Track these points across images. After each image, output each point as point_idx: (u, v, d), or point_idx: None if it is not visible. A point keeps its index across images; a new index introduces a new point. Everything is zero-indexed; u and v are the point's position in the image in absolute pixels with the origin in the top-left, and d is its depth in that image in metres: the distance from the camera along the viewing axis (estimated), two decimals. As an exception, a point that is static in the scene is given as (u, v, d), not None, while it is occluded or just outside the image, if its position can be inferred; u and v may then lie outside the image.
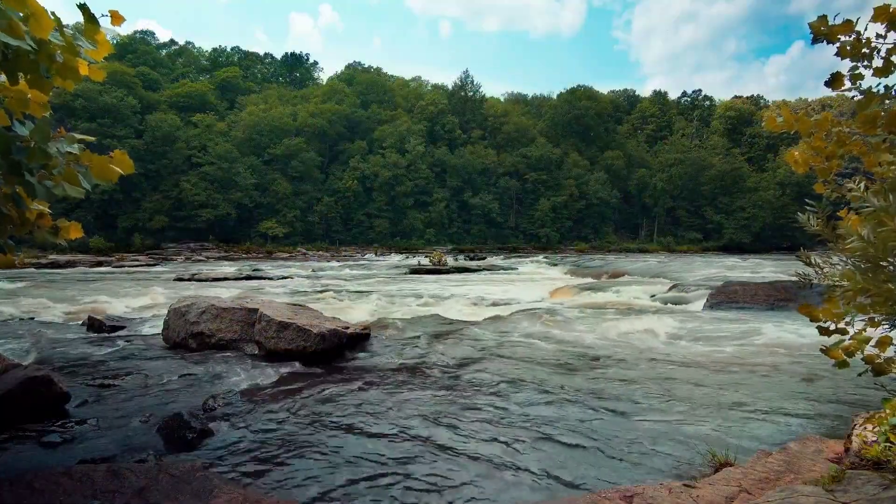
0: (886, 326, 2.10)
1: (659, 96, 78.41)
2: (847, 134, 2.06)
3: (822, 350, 2.13)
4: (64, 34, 1.99)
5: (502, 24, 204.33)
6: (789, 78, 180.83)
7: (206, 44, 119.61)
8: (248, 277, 18.91)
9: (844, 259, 2.13)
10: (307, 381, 4.59)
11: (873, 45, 1.97)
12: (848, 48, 1.99)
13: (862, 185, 2.08)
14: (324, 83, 73.70)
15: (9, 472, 2.61)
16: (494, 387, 4.45)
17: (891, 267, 1.94)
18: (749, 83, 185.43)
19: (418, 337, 6.53)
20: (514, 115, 68.91)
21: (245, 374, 4.76)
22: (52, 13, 1.95)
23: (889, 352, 2.03)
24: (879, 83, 2.00)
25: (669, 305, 10.87)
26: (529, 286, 16.23)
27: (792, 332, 6.74)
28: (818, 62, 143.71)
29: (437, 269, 23.00)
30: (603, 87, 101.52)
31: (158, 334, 6.24)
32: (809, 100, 68.64)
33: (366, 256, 43.44)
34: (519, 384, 4.53)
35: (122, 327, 7.34)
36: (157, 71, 62.54)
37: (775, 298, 9.60)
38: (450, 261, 28.39)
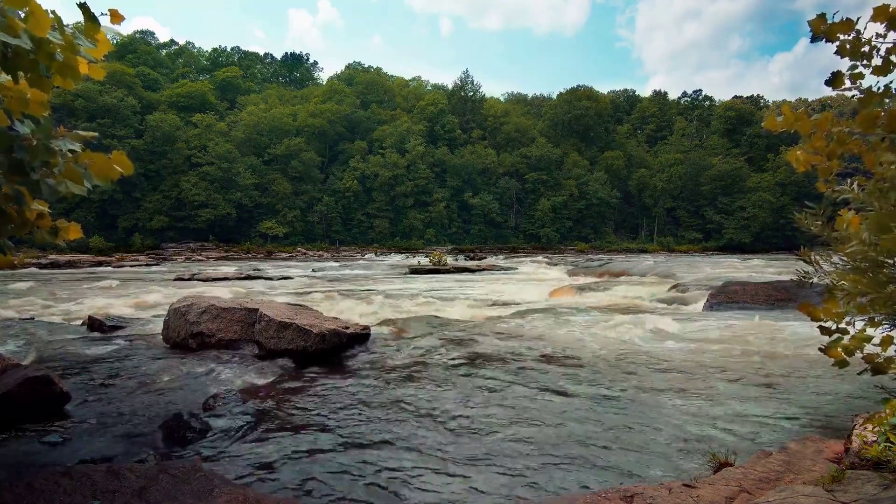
0: (887, 326, 2.10)
1: (659, 96, 78.46)
2: (847, 133, 2.05)
3: (821, 349, 2.13)
4: (64, 32, 1.98)
5: (504, 21, 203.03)
6: (793, 76, 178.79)
7: (205, 43, 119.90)
8: (249, 277, 18.92)
9: (845, 260, 2.13)
10: (307, 381, 4.59)
11: (873, 44, 1.96)
12: (847, 47, 1.99)
13: (855, 185, 2.09)
14: (324, 83, 73.78)
15: (9, 472, 2.62)
16: (494, 387, 4.45)
17: (891, 270, 1.94)
18: (753, 81, 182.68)
19: (418, 337, 6.53)
20: (514, 115, 68.98)
21: (245, 374, 4.76)
22: (52, 12, 1.94)
23: (889, 351, 2.02)
24: (879, 82, 2.00)
25: (669, 305, 10.86)
26: (530, 286, 16.22)
27: (792, 332, 6.73)
28: (823, 60, 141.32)
29: (437, 270, 23.00)
30: (604, 87, 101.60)
31: (158, 334, 6.24)
32: (810, 100, 68.60)
33: (366, 256, 43.46)
34: (518, 384, 4.53)
35: (122, 327, 7.33)
36: (157, 71, 62.61)
37: (775, 298, 9.60)
38: (450, 261, 28.37)
